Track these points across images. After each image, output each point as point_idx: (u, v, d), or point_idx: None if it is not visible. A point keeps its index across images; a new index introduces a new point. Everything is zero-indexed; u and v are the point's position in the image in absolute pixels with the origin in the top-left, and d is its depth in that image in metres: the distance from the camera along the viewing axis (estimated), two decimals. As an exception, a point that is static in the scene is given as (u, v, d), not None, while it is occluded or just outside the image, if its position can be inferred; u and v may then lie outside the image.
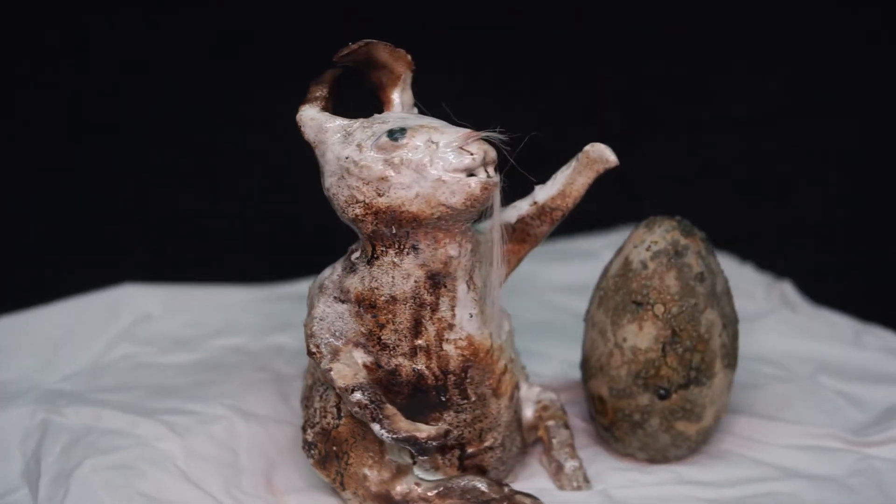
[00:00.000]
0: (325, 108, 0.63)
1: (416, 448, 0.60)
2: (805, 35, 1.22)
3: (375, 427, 0.60)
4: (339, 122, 0.62)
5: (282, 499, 0.67)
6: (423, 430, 0.60)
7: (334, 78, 0.65)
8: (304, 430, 0.66)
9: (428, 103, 0.66)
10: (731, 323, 0.68)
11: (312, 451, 0.65)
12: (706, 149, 1.13)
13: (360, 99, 0.65)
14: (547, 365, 0.78)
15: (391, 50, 0.64)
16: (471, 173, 0.60)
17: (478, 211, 0.61)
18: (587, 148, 0.65)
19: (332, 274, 0.64)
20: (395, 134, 0.60)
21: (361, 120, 0.62)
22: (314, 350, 0.63)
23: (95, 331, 0.82)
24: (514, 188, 0.66)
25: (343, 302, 0.63)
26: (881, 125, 1.15)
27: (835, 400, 0.75)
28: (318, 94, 0.63)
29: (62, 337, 0.81)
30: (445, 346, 0.63)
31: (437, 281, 0.62)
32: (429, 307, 0.62)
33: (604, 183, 0.65)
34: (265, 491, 0.67)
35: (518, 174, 0.65)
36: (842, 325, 0.84)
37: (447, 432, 0.60)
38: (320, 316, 0.63)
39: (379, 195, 0.60)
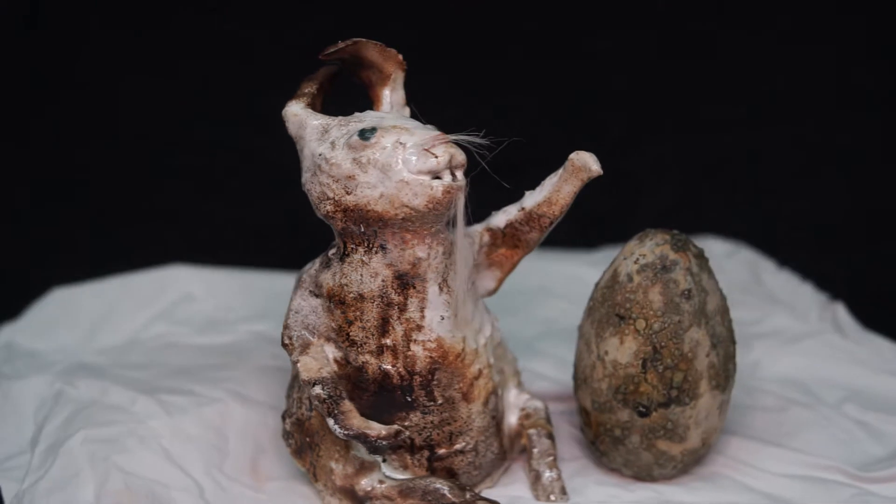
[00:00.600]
0: (311, 105, 0.64)
1: (368, 446, 0.60)
2: (806, 34, 1.19)
3: (330, 422, 0.61)
4: (321, 119, 0.62)
5: (263, 485, 0.68)
6: (375, 429, 0.60)
7: (328, 75, 0.65)
8: (283, 418, 0.67)
9: (425, 102, 0.66)
10: (722, 343, 0.65)
11: (290, 441, 0.66)
12: (709, 149, 1.12)
13: (359, 96, 0.66)
14: (563, 370, 0.77)
15: (381, 49, 0.64)
16: (436, 176, 0.60)
17: (442, 214, 0.61)
18: (572, 156, 0.64)
19: (311, 268, 0.65)
20: (365, 133, 0.60)
21: (340, 118, 0.62)
22: (287, 342, 0.64)
23: (138, 308, 0.85)
24: (506, 193, 0.66)
25: (317, 296, 0.64)
26: (882, 125, 1.12)
27: (853, 430, 0.72)
28: (306, 91, 0.64)
29: (107, 312, 0.85)
30: (413, 347, 0.63)
31: (405, 281, 0.62)
32: (397, 307, 0.62)
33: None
34: (249, 476, 0.69)
35: (508, 178, 0.65)
36: (888, 352, 0.80)
37: (398, 432, 0.60)
38: (296, 308, 0.64)
39: (347, 193, 0.61)
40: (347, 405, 0.61)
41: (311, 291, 0.64)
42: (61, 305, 0.86)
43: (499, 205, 0.66)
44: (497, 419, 0.67)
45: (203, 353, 0.79)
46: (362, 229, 0.61)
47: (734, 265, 0.92)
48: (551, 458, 0.67)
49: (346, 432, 0.60)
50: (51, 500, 0.64)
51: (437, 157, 0.59)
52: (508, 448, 0.68)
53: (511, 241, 0.66)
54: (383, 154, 0.60)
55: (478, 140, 0.62)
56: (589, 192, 0.65)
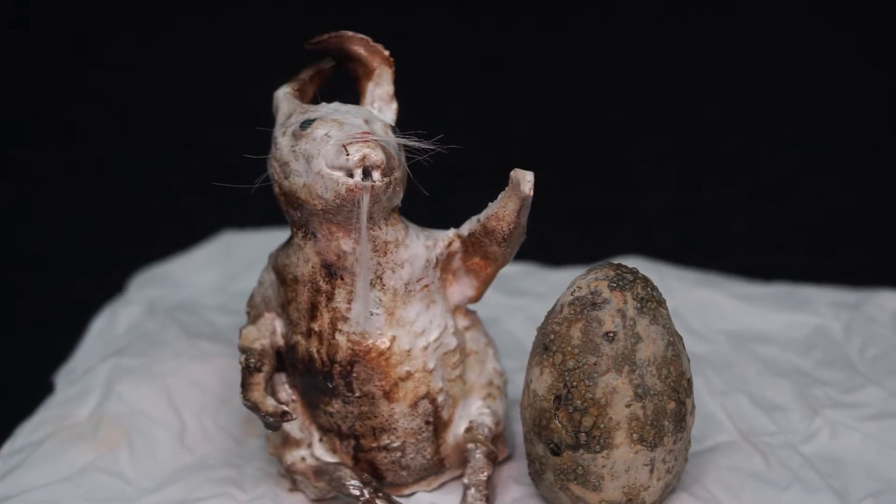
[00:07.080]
0: (300, 90, 0.66)
1: (261, 419, 0.63)
2: (806, 35, 1.19)
3: (241, 390, 0.64)
4: (291, 106, 0.65)
5: (248, 440, 0.73)
6: (266, 406, 0.63)
7: (327, 66, 0.67)
8: None
9: (424, 100, 0.66)
10: (654, 397, 0.60)
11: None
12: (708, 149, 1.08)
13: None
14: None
15: (367, 44, 0.65)
16: (350, 173, 0.61)
17: (350, 210, 0.61)
18: (511, 172, 0.61)
19: (280, 244, 0.68)
20: (304, 123, 0.62)
21: (305, 107, 0.65)
22: (247, 310, 0.68)
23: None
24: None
25: (274, 272, 0.67)
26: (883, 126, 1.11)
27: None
28: (302, 76, 0.67)
29: (257, 259, 0.91)
30: (338, 336, 0.64)
31: (331, 271, 0.63)
32: (324, 294, 0.64)
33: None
34: (239, 429, 0.73)
35: (491, 183, 0.64)
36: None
37: (284, 413, 0.62)
38: (260, 281, 0.68)
39: (285, 177, 0.63)
40: (258, 378, 0.64)
41: (272, 266, 0.67)
42: (223, 247, 0.94)
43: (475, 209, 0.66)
44: (436, 425, 0.66)
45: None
46: (298, 214, 0.63)
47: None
48: (483, 475, 0.66)
49: (245, 402, 0.63)
50: (55, 412, 0.73)
51: (347, 155, 0.60)
52: (450, 457, 0.67)
53: (480, 252, 0.65)
54: (311, 145, 0.62)
55: (411, 143, 0.62)
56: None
